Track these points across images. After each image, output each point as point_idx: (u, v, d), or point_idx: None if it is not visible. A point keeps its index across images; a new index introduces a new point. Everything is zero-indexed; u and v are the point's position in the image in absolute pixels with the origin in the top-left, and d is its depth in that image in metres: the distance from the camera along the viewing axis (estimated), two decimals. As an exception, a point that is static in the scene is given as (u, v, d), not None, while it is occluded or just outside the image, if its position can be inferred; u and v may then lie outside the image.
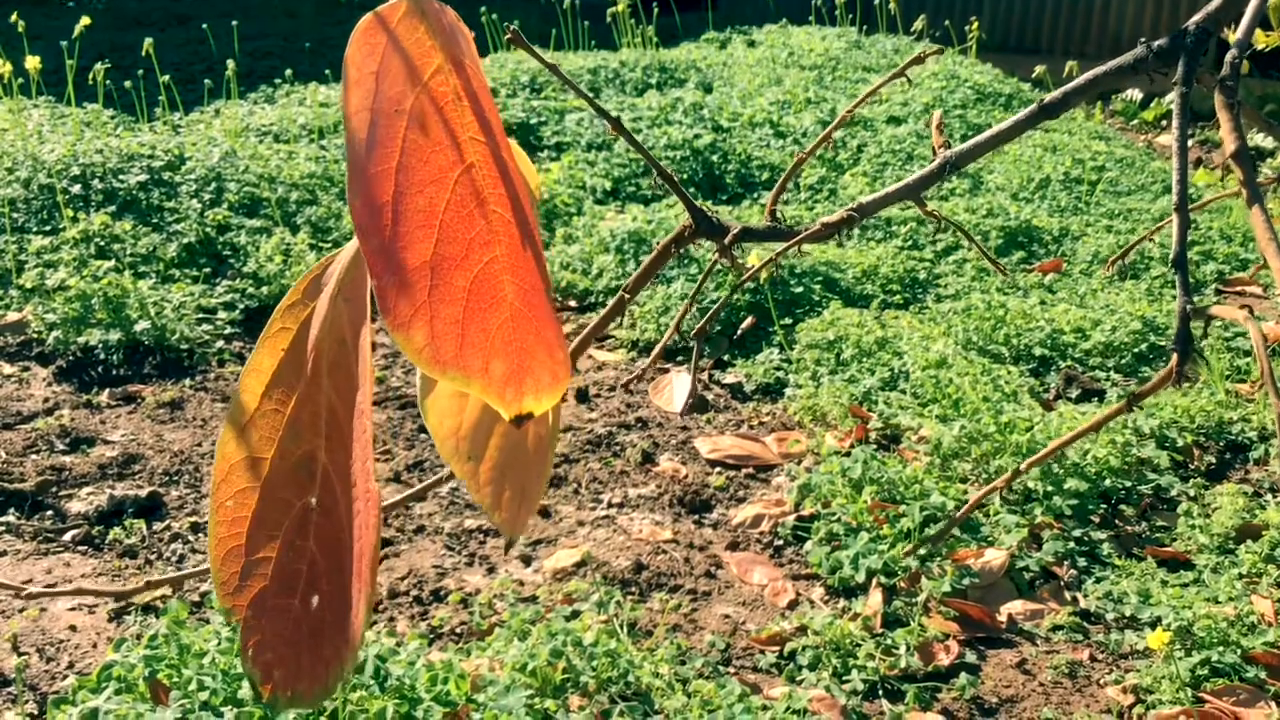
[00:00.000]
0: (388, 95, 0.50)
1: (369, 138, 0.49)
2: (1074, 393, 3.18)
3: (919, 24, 7.01)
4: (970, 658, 2.16)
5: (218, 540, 0.56)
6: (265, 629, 0.56)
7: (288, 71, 6.13)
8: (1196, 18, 0.70)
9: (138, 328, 3.35)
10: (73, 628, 2.19)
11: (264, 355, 0.57)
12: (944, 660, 2.13)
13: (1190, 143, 6.25)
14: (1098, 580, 2.37)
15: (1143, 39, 0.73)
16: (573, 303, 3.91)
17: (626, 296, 0.70)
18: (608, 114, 0.69)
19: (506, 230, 0.49)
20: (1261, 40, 1.34)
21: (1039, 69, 6.42)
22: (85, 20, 4.88)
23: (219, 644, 1.86)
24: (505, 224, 0.49)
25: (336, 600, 0.56)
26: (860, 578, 2.32)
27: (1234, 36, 0.78)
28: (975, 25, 7.06)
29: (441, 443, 0.60)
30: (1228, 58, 0.71)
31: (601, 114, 0.68)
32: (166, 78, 5.30)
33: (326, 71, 6.37)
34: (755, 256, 3.46)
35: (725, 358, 3.48)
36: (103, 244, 3.80)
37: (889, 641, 2.15)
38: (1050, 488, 2.59)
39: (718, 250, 0.70)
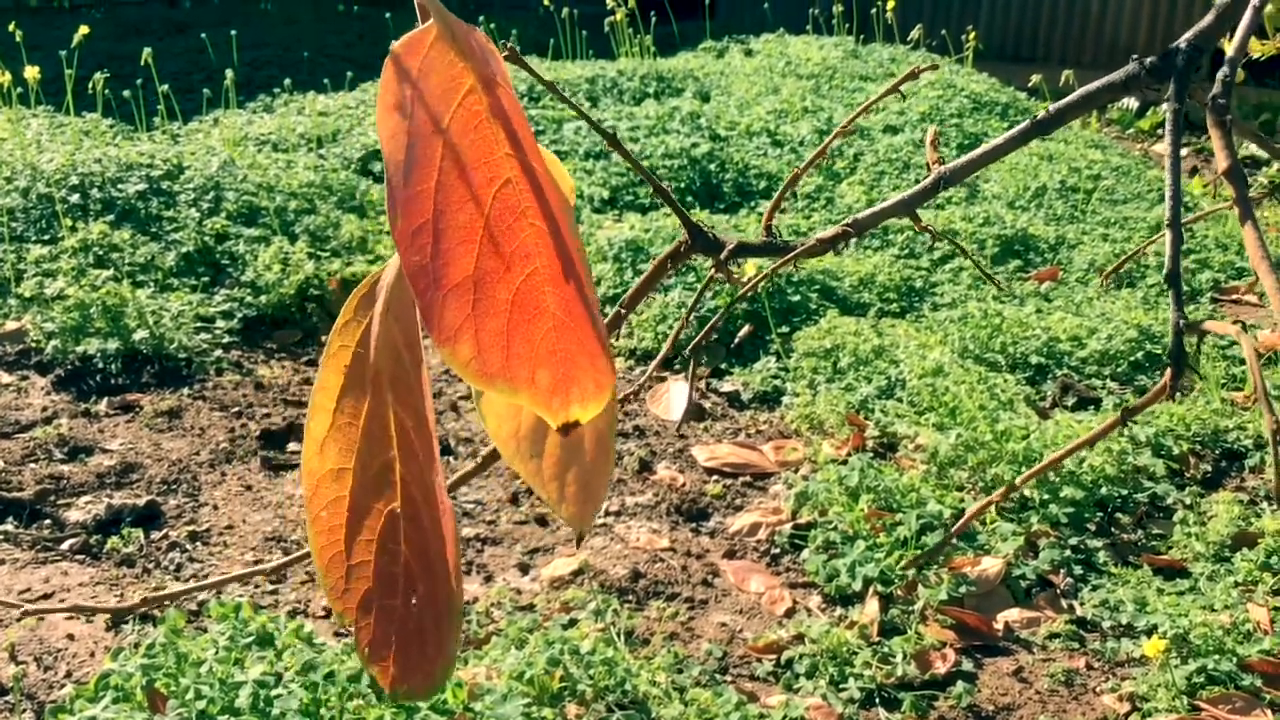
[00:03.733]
0: (423, 118, 0.51)
1: (406, 160, 0.50)
2: (1070, 401, 3.19)
3: (916, 33, 7.02)
4: (967, 666, 2.17)
5: (319, 549, 0.59)
6: (375, 628, 0.59)
7: (286, 81, 6.13)
8: (1188, 35, 0.71)
9: (136, 336, 3.35)
10: (70, 636, 2.19)
11: (329, 373, 0.59)
12: (941, 669, 2.14)
13: (1185, 151, 6.26)
14: (1094, 588, 2.38)
15: (1135, 55, 0.73)
16: (570, 311, 3.92)
17: (624, 311, 0.71)
18: (605, 131, 0.70)
19: (544, 242, 0.51)
20: (1257, 49, 1.34)
21: (1035, 78, 6.44)
22: (84, 29, 4.89)
23: (216, 652, 1.86)
24: (543, 236, 0.51)
25: (430, 602, 0.58)
26: (857, 586, 2.33)
27: (1229, 48, 0.78)
28: (972, 34, 7.08)
29: (502, 445, 0.62)
30: (1220, 75, 0.72)
31: (599, 131, 0.69)
32: (165, 87, 5.31)
33: (325, 81, 6.37)
34: (752, 265, 3.47)
35: (722, 366, 3.48)
36: (101, 253, 3.81)
37: (886, 650, 2.16)
38: (1046, 496, 2.59)
39: (714, 266, 0.71)
